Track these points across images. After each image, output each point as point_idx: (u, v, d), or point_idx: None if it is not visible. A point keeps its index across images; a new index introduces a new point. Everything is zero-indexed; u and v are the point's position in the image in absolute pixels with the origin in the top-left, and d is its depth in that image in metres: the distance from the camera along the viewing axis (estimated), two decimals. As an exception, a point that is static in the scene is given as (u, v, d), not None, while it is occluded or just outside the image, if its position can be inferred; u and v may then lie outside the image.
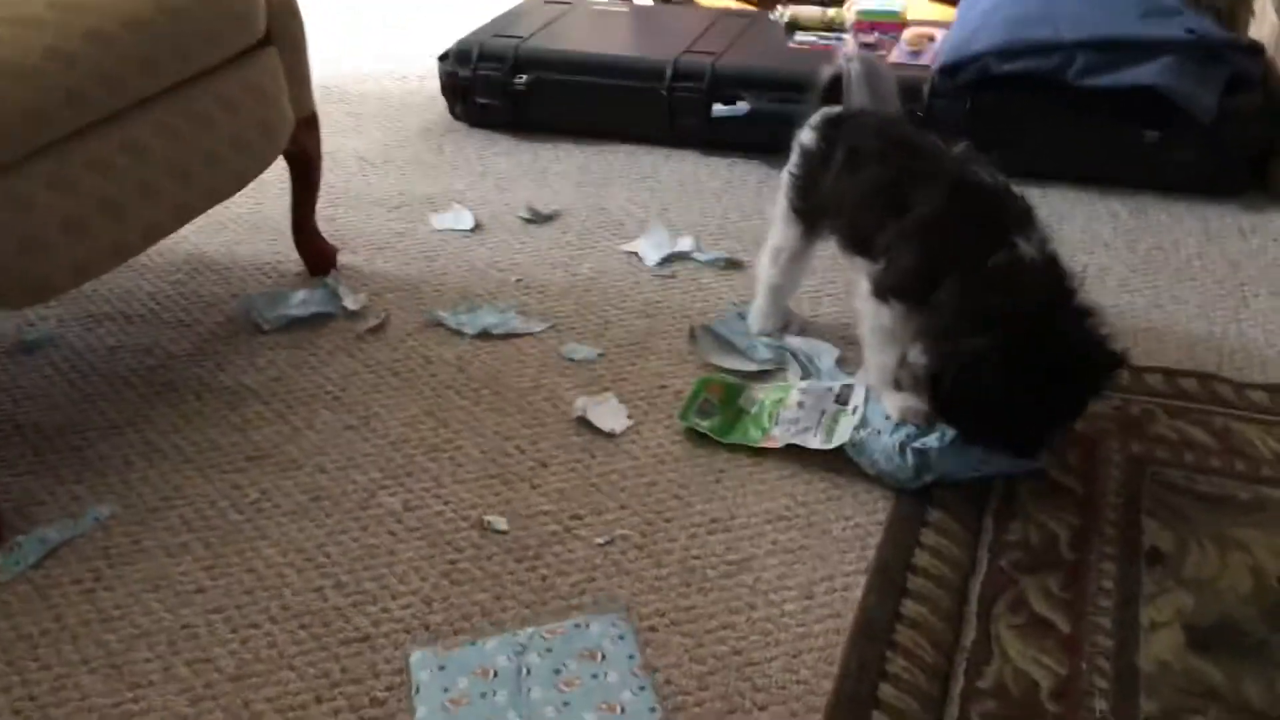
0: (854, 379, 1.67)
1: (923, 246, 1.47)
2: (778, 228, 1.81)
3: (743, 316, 1.90)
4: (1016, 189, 1.52)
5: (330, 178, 2.40)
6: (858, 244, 1.61)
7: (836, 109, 1.75)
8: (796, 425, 1.59)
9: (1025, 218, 1.46)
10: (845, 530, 1.47)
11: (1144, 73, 2.17)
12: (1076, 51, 2.22)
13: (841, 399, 1.61)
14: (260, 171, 1.87)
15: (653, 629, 1.33)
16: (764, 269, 1.85)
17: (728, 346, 1.84)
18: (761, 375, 1.77)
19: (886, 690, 1.23)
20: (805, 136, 1.74)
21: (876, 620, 1.32)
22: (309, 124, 2.02)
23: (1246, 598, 1.33)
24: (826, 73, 1.79)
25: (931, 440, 1.50)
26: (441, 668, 1.05)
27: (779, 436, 1.59)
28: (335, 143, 2.60)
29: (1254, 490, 1.49)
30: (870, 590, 1.36)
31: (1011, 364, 1.36)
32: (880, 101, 1.76)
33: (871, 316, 1.58)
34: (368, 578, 1.42)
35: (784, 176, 1.79)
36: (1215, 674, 1.23)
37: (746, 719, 1.22)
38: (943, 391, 1.43)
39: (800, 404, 1.62)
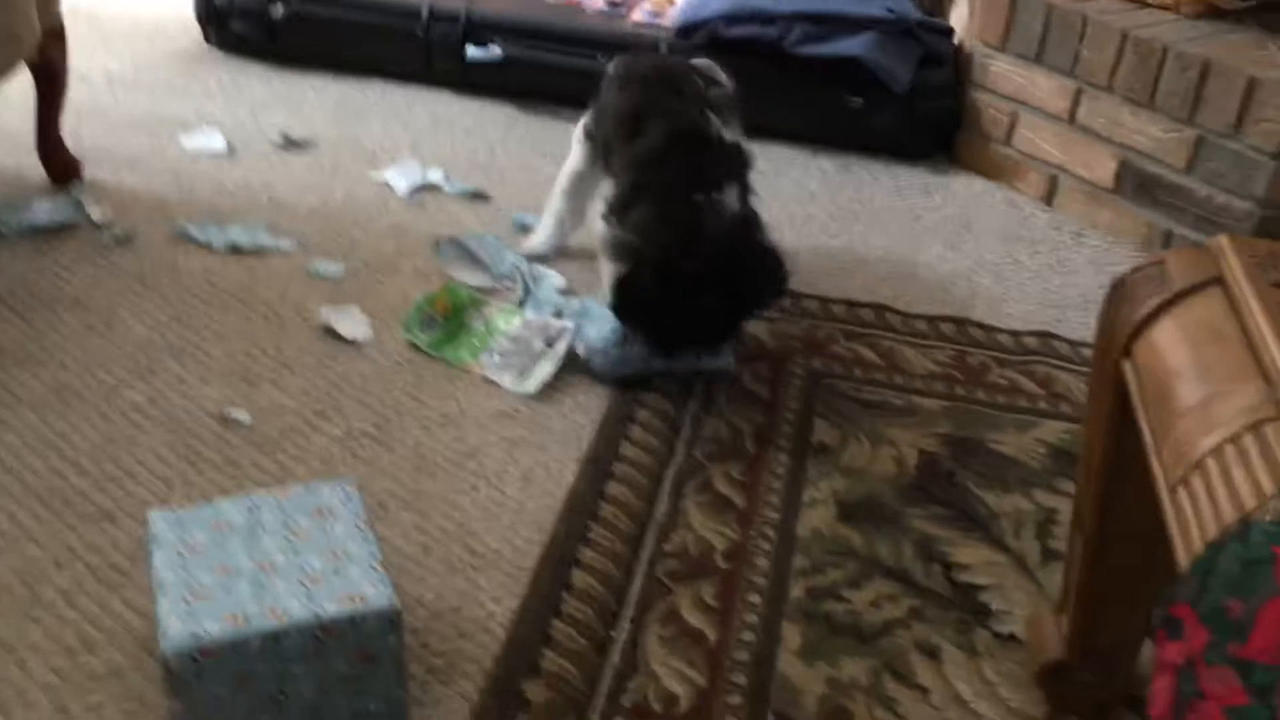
0: (565, 319, 1.83)
1: (632, 180, 1.68)
2: (573, 149, 1.99)
3: (497, 238, 2.04)
4: (739, 143, 1.77)
5: (77, 94, 2.38)
6: (607, 164, 1.81)
7: None
8: (502, 359, 1.75)
9: (729, 170, 1.68)
10: (564, 426, 1.65)
11: (849, 45, 2.44)
12: (794, 22, 2.47)
13: (551, 341, 1.77)
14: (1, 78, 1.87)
15: (382, 506, 1.47)
16: (555, 192, 2.02)
17: (470, 258, 1.98)
18: (491, 291, 1.92)
19: (586, 553, 1.42)
20: (608, 69, 1.96)
21: (584, 497, 1.51)
22: (56, 37, 2.03)
23: (889, 480, 1.59)
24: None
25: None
26: (179, 523, 1.16)
27: (481, 365, 1.75)
28: (83, 60, 2.56)
29: (906, 398, 1.77)
30: (581, 475, 1.55)
31: (667, 280, 1.61)
32: None
33: (601, 231, 1.78)
34: (110, 463, 1.50)
35: None
36: (856, 538, 1.49)
37: (462, 576, 1.38)
38: (618, 297, 1.67)
39: (516, 338, 1.78)
